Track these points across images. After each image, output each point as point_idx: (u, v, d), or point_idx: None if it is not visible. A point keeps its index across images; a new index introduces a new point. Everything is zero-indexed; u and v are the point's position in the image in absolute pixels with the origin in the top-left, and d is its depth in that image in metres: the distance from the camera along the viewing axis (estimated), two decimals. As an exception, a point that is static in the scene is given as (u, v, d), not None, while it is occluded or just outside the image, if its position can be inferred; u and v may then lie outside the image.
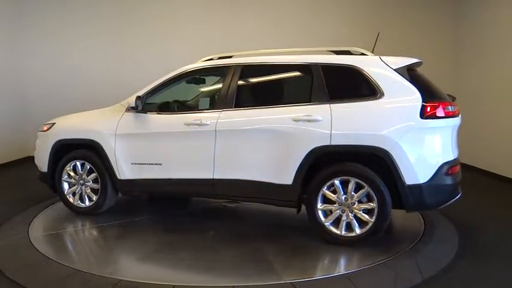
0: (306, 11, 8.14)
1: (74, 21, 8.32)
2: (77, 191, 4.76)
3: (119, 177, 4.55)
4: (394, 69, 3.77)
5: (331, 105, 3.80)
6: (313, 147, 3.76)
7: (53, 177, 4.84)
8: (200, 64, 4.52)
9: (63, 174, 4.79)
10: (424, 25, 8.08)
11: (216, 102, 4.37)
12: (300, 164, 3.81)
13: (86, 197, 4.73)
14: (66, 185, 4.80)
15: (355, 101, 3.80)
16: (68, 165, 4.75)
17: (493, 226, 4.52)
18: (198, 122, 4.19)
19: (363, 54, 4.01)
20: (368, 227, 3.69)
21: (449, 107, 3.71)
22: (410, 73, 3.83)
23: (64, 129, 4.86)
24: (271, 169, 3.95)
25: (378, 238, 3.71)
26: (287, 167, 3.87)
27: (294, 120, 3.86)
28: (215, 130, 4.12)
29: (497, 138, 6.72)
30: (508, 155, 6.41)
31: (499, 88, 6.72)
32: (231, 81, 4.24)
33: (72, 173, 4.75)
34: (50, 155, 4.82)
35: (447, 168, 3.66)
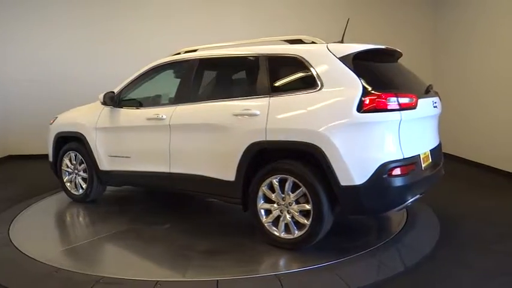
0: (293, 7, 8.20)
1: (51, 18, 8.17)
2: (72, 179, 5.18)
3: (100, 168, 4.85)
4: (339, 58, 3.43)
5: (271, 98, 3.58)
6: (250, 143, 3.59)
7: (56, 166, 5.30)
8: (164, 59, 4.54)
9: (63, 164, 5.21)
10: (405, 17, 8.18)
11: (174, 96, 4.42)
12: (240, 161, 3.66)
13: (79, 185, 5.12)
14: (65, 174, 5.23)
15: (294, 94, 3.51)
16: (65, 156, 5.18)
17: (474, 215, 4.58)
18: (156, 116, 4.27)
19: (313, 42, 3.75)
20: (304, 230, 3.44)
21: (395, 98, 3.23)
22: (362, 62, 3.47)
23: (61, 123, 5.26)
24: (217, 165, 3.85)
25: (361, 227, 3.73)
26: (229, 163, 3.73)
27: (234, 115, 3.71)
28: (169, 125, 4.18)
29: (478, 128, 6.83)
30: (492, 145, 6.52)
31: (480, 80, 6.82)
32: (187, 75, 4.28)
33: (68, 163, 5.17)
34: (53, 146, 5.30)
35: (390, 168, 3.21)
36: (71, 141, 5.12)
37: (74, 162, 5.11)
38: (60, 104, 7.16)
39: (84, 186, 5.06)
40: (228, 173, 3.76)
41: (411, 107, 3.33)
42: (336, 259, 3.36)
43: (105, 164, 4.81)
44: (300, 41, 3.80)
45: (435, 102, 3.82)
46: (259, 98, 3.65)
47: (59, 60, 8.20)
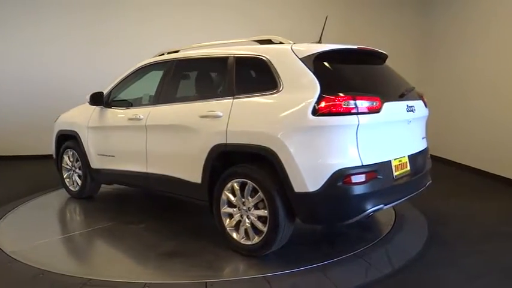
0: (279, 7, 8.20)
1: (37, 18, 8.09)
2: (70, 176, 5.36)
3: (91, 166, 4.97)
4: (300, 59, 3.28)
5: (234, 100, 3.50)
6: (213, 145, 3.54)
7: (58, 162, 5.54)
8: (148, 60, 4.59)
9: (63, 161, 5.39)
10: (394, 19, 8.26)
11: (152, 97, 4.46)
12: (205, 163, 3.61)
13: (75, 182, 5.28)
14: (64, 170, 5.42)
15: (256, 96, 3.41)
16: (65, 153, 5.35)
17: (461, 216, 4.63)
18: (135, 116, 4.32)
19: (281, 43, 3.62)
20: (261, 237, 3.32)
21: (353, 101, 3.02)
22: (328, 63, 3.32)
23: (62, 121, 5.44)
24: (185, 166, 3.82)
25: (350, 229, 3.73)
26: (196, 165, 3.68)
27: (201, 117, 3.67)
28: (145, 125, 4.21)
29: (466, 131, 6.91)
30: (479, 148, 6.60)
31: (467, 83, 6.90)
32: (164, 76, 4.31)
33: (67, 160, 5.34)
34: (55, 143, 5.50)
35: (345, 176, 3.00)
36: (69, 139, 5.27)
37: (72, 159, 5.27)
38: (40, 104, 7.25)
39: (79, 183, 5.22)
40: (195, 175, 3.72)
41: (373, 110, 3.11)
42: (324, 260, 3.35)
43: (95, 162, 4.91)
44: (269, 41, 3.69)
45: (410, 106, 3.53)
46: (224, 100, 3.58)
47: (56, 60, 8.17)
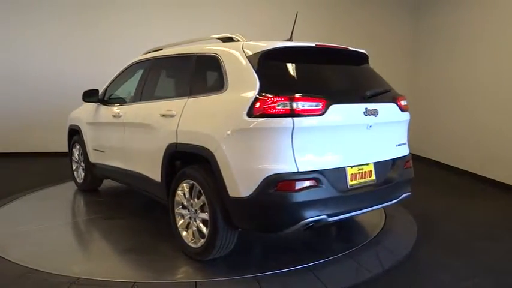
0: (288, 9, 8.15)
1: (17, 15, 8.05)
2: (77, 168, 5.65)
3: (89, 160, 5.17)
4: (247, 57, 3.13)
5: (189, 99, 3.44)
6: (167, 144, 3.50)
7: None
8: (135, 59, 4.67)
9: (73, 154, 5.67)
10: (387, 20, 8.31)
11: (132, 95, 4.52)
12: (162, 162, 3.58)
13: (80, 175, 5.56)
14: (74, 163, 5.70)
15: (205, 95, 3.34)
16: (74, 147, 5.62)
17: (450, 217, 4.67)
18: (117, 113, 4.46)
19: (238, 41, 3.48)
20: (204, 241, 3.22)
21: (288, 103, 2.79)
22: (280, 62, 3.14)
23: (71, 117, 5.67)
24: (150, 164, 3.80)
25: (340, 230, 3.74)
26: (156, 164, 3.66)
27: (160, 115, 3.65)
28: (123, 122, 4.33)
29: (457, 133, 6.97)
30: (469, 150, 6.66)
31: (457, 85, 6.96)
32: (142, 74, 4.37)
33: (76, 154, 5.59)
34: (67, 137, 5.73)
35: (277, 182, 2.77)
36: (76, 134, 5.49)
37: (78, 153, 5.55)
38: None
39: (83, 176, 5.51)
40: (157, 173, 3.70)
41: (314, 113, 2.86)
42: (314, 261, 3.35)
43: (92, 156, 5.12)
44: (230, 39, 3.56)
45: (371, 110, 3.16)
46: (181, 99, 3.54)
47: (53, 60, 8.16)
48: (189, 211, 3.39)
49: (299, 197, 2.80)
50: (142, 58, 4.53)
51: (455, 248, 3.81)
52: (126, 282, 3.02)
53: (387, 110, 3.37)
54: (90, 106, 5.09)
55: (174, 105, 3.55)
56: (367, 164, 3.22)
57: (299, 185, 2.80)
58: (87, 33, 8.16)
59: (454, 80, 7.00)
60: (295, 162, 2.82)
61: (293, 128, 2.79)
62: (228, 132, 2.94)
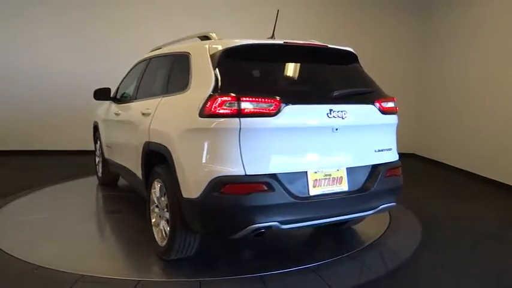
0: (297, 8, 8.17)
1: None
2: (98, 163, 5.91)
3: (104, 155, 5.38)
4: (210, 55, 3.03)
5: (163, 98, 3.47)
6: (143, 142, 3.56)
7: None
8: (140, 59, 4.79)
9: (96, 149, 5.92)
10: (388, 22, 8.28)
11: (131, 94, 4.60)
12: (141, 159, 3.66)
13: (100, 170, 5.80)
14: (97, 158, 5.94)
15: (174, 94, 3.32)
16: (96, 143, 5.87)
17: (455, 219, 4.66)
18: (117, 111, 4.66)
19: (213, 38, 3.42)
20: (166, 241, 3.19)
21: (235, 102, 2.69)
22: (243, 60, 3.07)
23: (95, 114, 5.84)
24: (135, 162, 3.86)
25: (344, 231, 3.73)
26: (138, 161, 3.74)
27: (141, 114, 3.71)
28: (121, 120, 4.54)
29: (460, 134, 6.95)
30: (472, 151, 6.64)
31: (458, 86, 6.94)
32: (139, 73, 4.46)
33: (97, 149, 5.83)
34: (93, 133, 5.96)
35: (222, 185, 2.68)
36: (97, 130, 5.72)
37: (99, 148, 5.77)
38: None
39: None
40: (139, 170, 3.79)
41: (265, 113, 2.72)
42: (318, 261, 3.36)
43: (105, 152, 5.32)
44: (206, 38, 3.45)
45: (337, 111, 2.94)
46: (157, 98, 3.58)
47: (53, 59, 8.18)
48: (159, 210, 3.39)
49: (246, 201, 2.69)
50: (143, 57, 4.67)
51: (459, 250, 3.80)
52: (131, 280, 3.03)
53: (360, 112, 3.14)
54: (107, 104, 5.23)
55: (151, 104, 3.62)
56: (337, 170, 3.02)
57: (246, 189, 2.69)
58: (83, 33, 8.17)
59: (458, 81, 6.97)
60: (243, 165, 2.70)
61: (240, 129, 2.69)
62: (182, 132, 2.94)
